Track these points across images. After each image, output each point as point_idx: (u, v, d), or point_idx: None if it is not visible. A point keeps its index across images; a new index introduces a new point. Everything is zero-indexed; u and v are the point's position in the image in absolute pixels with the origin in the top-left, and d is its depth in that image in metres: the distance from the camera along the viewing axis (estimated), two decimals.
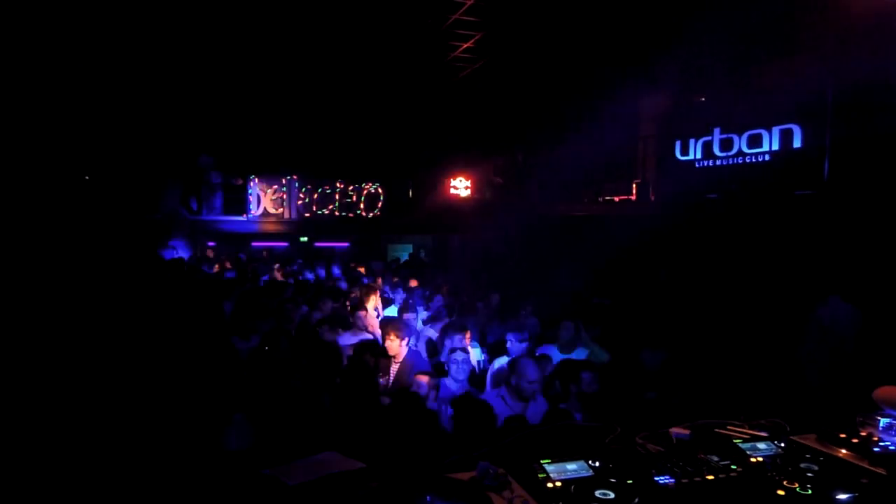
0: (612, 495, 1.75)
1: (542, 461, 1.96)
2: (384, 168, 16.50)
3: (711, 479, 1.91)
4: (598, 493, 1.75)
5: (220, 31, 12.07)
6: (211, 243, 15.31)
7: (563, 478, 1.86)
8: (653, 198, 11.97)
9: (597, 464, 1.96)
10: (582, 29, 11.17)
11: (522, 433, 2.42)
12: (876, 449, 2.12)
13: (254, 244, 16.35)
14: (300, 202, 15.85)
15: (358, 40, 12.77)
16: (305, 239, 16.75)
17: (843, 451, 2.15)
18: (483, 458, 1.91)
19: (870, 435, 2.25)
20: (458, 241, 17.49)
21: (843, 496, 1.84)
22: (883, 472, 1.99)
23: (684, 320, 6.91)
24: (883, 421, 2.29)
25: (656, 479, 1.89)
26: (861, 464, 2.06)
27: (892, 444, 2.17)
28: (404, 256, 17.08)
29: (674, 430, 2.36)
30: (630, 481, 1.84)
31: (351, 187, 16.25)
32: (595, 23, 10.92)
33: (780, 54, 9.43)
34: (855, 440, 2.19)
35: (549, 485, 1.82)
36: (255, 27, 12.06)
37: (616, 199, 13.09)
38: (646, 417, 2.62)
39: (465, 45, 13.28)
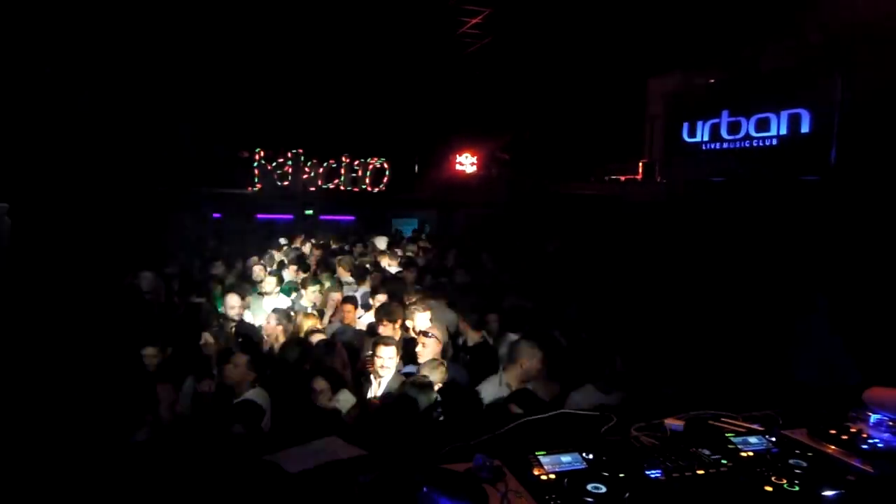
0: (603, 489, 1.79)
1: (536, 452, 2.00)
2: (390, 143, 16.47)
3: (701, 474, 1.96)
4: (590, 487, 1.79)
5: (227, 5, 11.97)
6: (216, 215, 15.34)
7: (556, 470, 1.91)
8: (659, 178, 11.92)
9: (590, 456, 2.00)
10: (591, 7, 11.03)
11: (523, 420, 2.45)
12: (864, 446, 2.15)
13: (259, 216, 16.37)
14: (305, 176, 15.87)
15: (365, 14, 12.66)
16: (311, 212, 16.78)
17: (833, 447, 2.18)
18: (479, 448, 1.96)
19: (860, 431, 2.28)
20: (463, 216, 17.50)
21: (829, 493, 1.88)
22: (870, 470, 2.03)
23: (684, 305, 6.93)
24: (873, 417, 2.32)
25: (647, 472, 1.93)
26: (849, 460, 2.09)
27: (881, 441, 2.20)
28: (407, 231, 17.07)
29: (668, 421, 2.40)
30: (622, 475, 1.89)
31: (357, 162, 16.26)
32: (605, 1, 10.78)
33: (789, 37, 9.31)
34: (845, 436, 2.22)
35: (543, 477, 1.87)
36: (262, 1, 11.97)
37: (622, 178, 13.04)
38: (643, 406, 2.66)
39: (474, 21, 13.15)
